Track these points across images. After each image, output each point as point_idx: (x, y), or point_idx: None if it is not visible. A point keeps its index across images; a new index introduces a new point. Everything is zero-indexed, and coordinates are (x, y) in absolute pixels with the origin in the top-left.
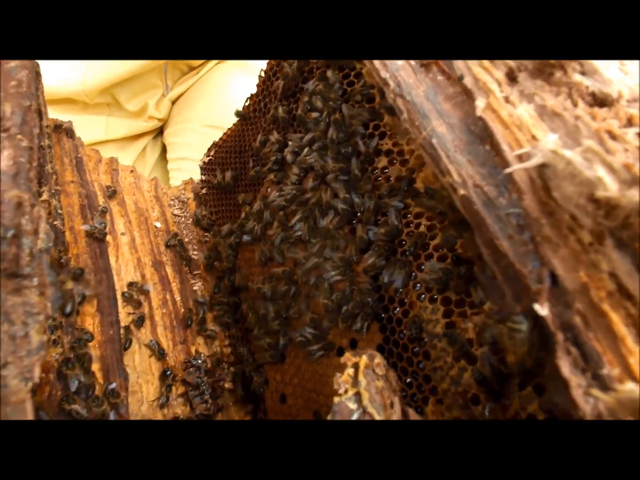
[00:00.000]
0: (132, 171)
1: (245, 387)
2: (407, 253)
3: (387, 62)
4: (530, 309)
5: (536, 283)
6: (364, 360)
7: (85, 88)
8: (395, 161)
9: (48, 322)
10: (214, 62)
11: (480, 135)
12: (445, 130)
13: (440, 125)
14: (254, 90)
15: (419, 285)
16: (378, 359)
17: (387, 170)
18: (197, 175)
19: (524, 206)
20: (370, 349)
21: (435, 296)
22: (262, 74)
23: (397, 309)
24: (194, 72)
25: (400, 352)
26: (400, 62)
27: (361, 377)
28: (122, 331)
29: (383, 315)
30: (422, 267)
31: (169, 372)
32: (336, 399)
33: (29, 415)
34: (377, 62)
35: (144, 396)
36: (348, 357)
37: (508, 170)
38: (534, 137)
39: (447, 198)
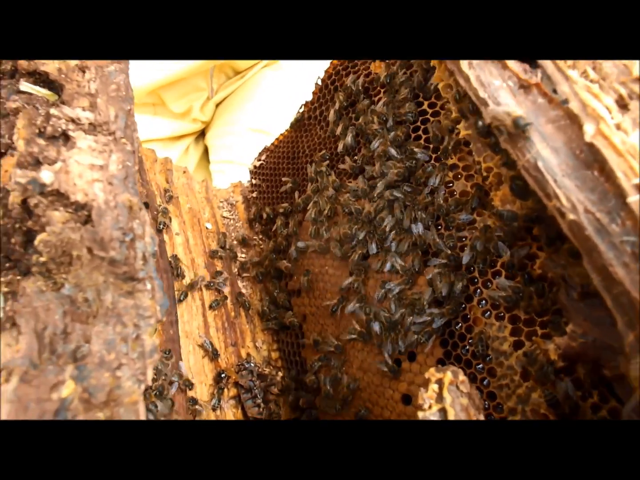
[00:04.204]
0: (184, 172)
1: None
2: (473, 269)
3: (485, 81)
4: None
5: None
6: (448, 376)
7: (134, 88)
8: (460, 176)
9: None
10: (259, 66)
11: (587, 161)
12: (550, 154)
13: (544, 149)
14: (301, 96)
15: (484, 301)
16: (462, 376)
17: (451, 185)
18: (238, 177)
19: None
20: (429, 362)
21: (502, 313)
22: (319, 82)
23: (460, 324)
24: (238, 76)
25: (462, 367)
26: (498, 83)
27: (446, 394)
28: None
29: (445, 329)
30: (488, 284)
31: (223, 375)
32: (420, 414)
33: (141, 416)
34: (474, 81)
35: (198, 396)
36: (432, 373)
37: (631, 199)
38: None
39: (531, 218)
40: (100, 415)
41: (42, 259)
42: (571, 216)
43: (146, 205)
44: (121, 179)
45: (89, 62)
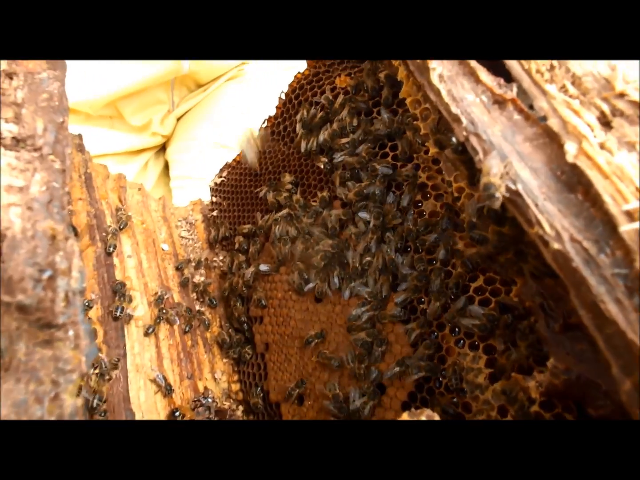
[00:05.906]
0: (139, 189)
1: None
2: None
3: (457, 96)
4: None
5: None
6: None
7: (90, 99)
8: (429, 195)
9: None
10: (222, 80)
11: (570, 183)
12: (530, 175)
13: (523, 169)
14: (265, 110)
15: (457, 329)
16: (437, 418)
17: (420, 205)
18: (200, 194)
19: (636, 267)
20: (400, 395)
21: (476, 343)
22: (282, 97)
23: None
24: (201, 90)
25: (435, 401)
26: (471, 98)
27: None
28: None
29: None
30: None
31: (177, 413)
32: None
33: None
34: (445, 96)
35: None
36: (406, 418)
37: (625, 228)
38: (639, 190)
39: (504, 243)
40: None
41: None
42: (556, 245)
43: (75, 231)
44: (44, 203)
45: (17, 68)
